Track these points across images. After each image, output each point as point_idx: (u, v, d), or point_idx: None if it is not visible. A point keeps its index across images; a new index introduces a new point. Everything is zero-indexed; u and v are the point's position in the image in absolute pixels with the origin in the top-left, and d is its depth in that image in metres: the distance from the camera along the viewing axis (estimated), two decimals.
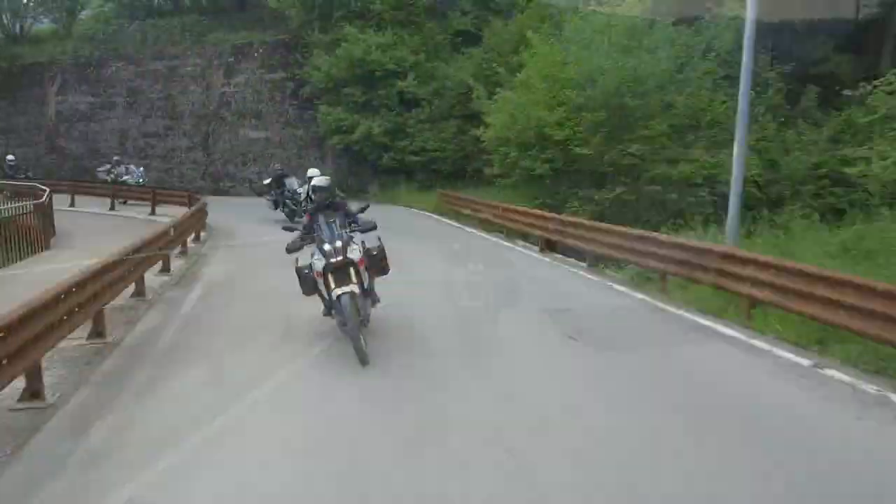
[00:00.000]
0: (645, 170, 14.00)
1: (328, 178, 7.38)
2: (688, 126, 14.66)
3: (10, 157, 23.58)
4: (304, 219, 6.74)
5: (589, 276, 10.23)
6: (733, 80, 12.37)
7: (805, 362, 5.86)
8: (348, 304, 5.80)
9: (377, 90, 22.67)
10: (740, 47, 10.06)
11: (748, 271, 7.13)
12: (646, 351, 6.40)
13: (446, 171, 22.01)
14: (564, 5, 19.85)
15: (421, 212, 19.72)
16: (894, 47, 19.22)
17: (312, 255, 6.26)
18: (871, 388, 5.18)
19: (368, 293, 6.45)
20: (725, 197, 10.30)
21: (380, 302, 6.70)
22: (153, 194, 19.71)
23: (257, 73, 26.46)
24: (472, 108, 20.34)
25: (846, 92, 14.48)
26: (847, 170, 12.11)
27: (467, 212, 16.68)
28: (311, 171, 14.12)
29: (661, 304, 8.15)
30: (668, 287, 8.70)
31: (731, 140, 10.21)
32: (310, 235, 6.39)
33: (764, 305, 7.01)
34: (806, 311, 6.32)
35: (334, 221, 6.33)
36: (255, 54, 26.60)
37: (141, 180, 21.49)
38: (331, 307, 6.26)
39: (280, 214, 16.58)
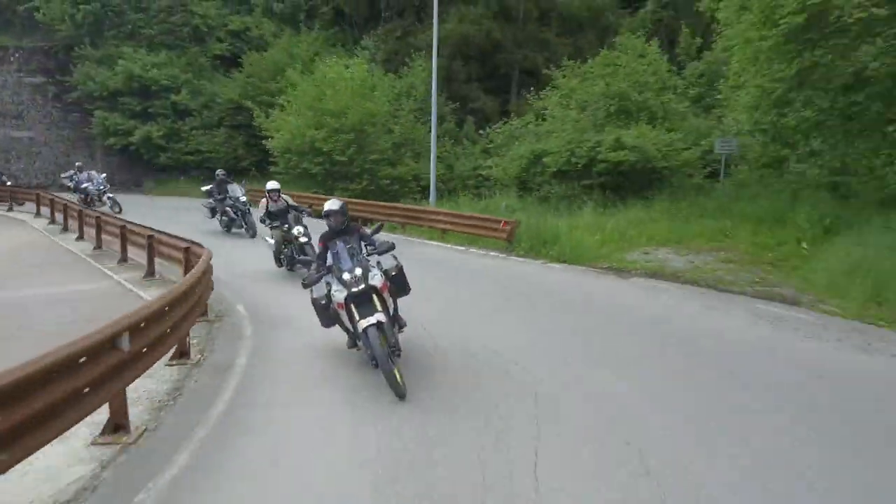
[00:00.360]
0: (378, 171, 22.45)
1: (341, 200, 6.55)
2: (402, 143, 23.58)
3: None
4: (318, 247, 6.26)
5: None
6: (426, 112, 21.63)
7: (465, 248, 14.63)
8: (377, 338, 5.31)
9: (153, 101, 27.17)
10: (429, 92, 19.08)
11: (440, 217, 15.85)
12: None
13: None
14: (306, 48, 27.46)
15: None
16: (517, 93, 31.14)
17: (329, 286, 5.84)
18: (504, 255, 14.01)
19: (395, 319, 6.09)
20: (426, 187, 19.24)
21: (406, 326, 6.38)
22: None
23: (15, 77, 28.08)
24: (240, 119, 26.54)
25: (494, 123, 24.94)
26: (485, 171, 22.18)
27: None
28: (270, 184, 12.04)
29: (408, 238, 16.39)
30: (406, 230, 17.05)
31: (429, 152, 19.20)
32: (325, 265, 5.93)
33: (448, 232, 15.76)
34: (460, 231, 15.17)
35: (350, 247, 5.92)
36: (12, 59, 28.15)
37: (102, 187, 20.77)
38: (356, 339, 5.86)
39: (216, 224, 15.99)
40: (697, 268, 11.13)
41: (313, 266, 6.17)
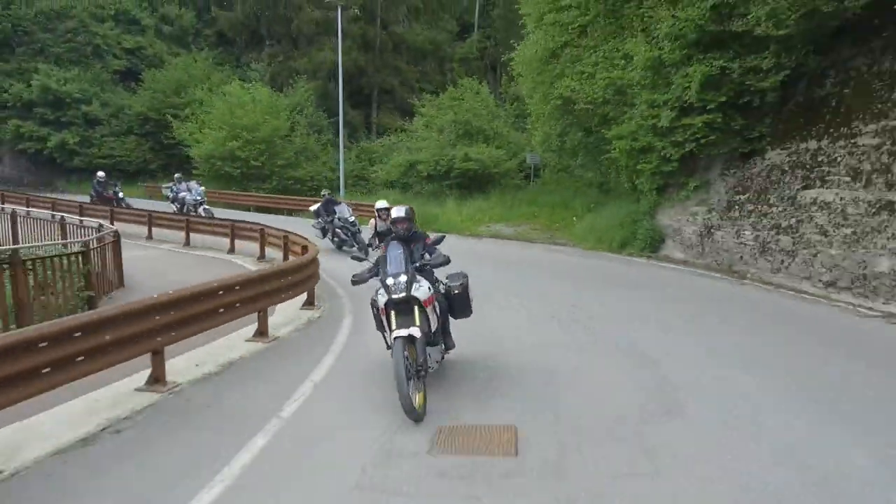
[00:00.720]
0: (284, 174, 28.84)
1: (406, 206, 6.33)
2: (300, 150, 30.13)
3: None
4: (380, 250, 6.06)
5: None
6: (313, 125, 28.60)
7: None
8: (402, 351, 5.07)
9: (66, 111, 30.66)
10: (317, 109, 26.16)
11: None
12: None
13: (131, 170, 31.96)
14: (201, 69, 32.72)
15: None
16: (377, 108, 38.71)
17: (377, 290, 5.66)
18: None
19: (435, 337, 5.81)
20: (319, 186, 26.29)
21: (454, 348, 6.29)
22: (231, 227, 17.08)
23: None
24: (147, 128, 31.13)
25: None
26: (371, 174, 29.56)
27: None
28: (380, 203, 13.18)
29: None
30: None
31: (318, 158, 26.22)
32: (377, 267, 5.79)
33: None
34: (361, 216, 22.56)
35: (405, 254, 5.69)
36: None
37: (199, 198, 20.88)
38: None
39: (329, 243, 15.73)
40: (519, 233, 19.79)
41: (367, 264, 6.11)
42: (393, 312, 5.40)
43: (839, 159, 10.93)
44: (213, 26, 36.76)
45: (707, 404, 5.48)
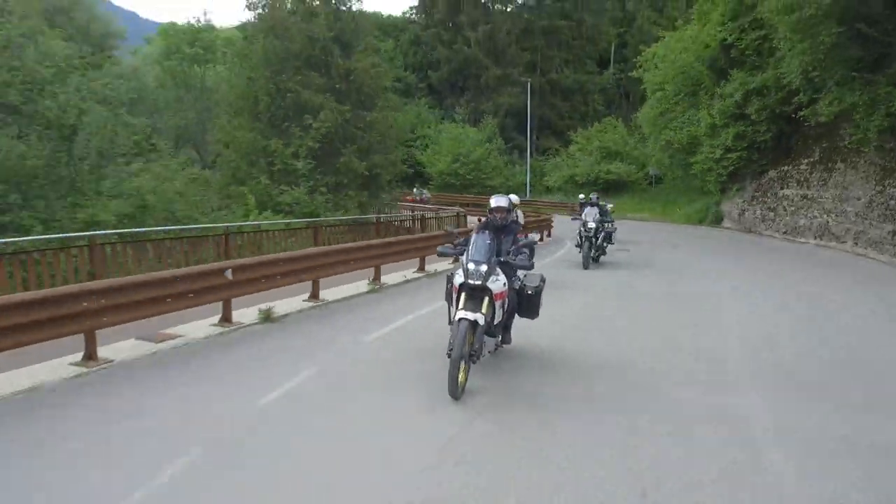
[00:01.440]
0: (486, 182, 44.15)
1: (508, 197, 6.48)
2: (493, 167, 45.47)
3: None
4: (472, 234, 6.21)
5: None
6: (501, 151, 43.90)
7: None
8: (462, 333, 5.32)
9: None
10: (499, 138, 41.26)
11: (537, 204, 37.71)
12: None
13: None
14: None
15: None
16: (538, 136, 53.24)
17: (459, 268, 5.86)
18: None
19: (496, 330, 6.04)
20: (506, 190, 41.28)
21: (510, 344, 6.56)
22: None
23: None
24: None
25: None
26: (545, 182, 44.20)
27: None
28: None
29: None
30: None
31: (502, 174, 41.25)
32: (464, 247, 6.05)
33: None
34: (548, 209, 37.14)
35: (493, 245, 5.83)
36: None
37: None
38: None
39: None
40: (641, 216, 33.43)
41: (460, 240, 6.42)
42: (464, 295, 5.61)
43: (792, 175, 23.86)
44: (426, 81, 53.20)
45: (724, 281, 19.32)
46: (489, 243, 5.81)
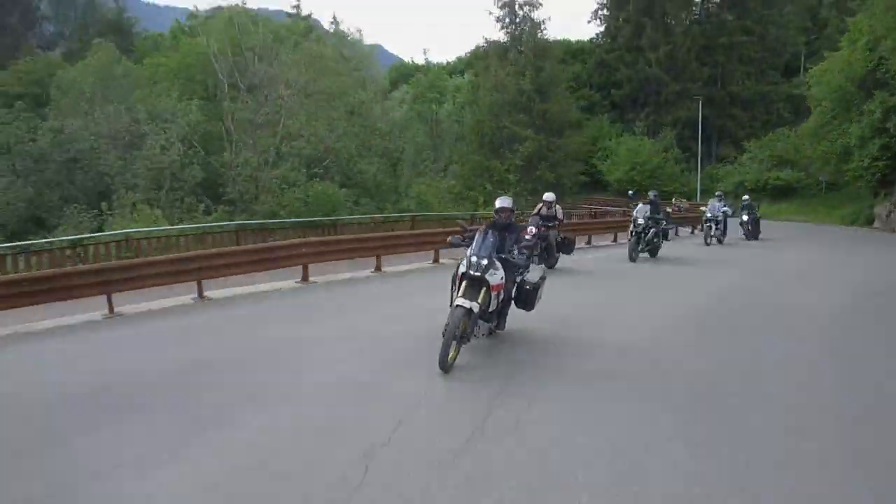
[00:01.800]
0: (661, 187, 50.00)
1: (511, 199, 7.31)
2: (670, 174, 51.02)
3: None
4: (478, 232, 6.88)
5: None
6: (677, 160, 49.20)
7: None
8: (457, 318, 5.99)
9: None
10: (675, 147, 46.65)
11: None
12: None
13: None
14: None
15: None
16: (717, 143, 57.20)
17: (463, 259, 6.53)
18: None
19: (490, 315, 6.70)
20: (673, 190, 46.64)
21: (502, 330, 7.20)
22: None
23: None
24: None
25: None
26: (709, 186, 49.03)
27: None
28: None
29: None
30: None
31: (670, 174, 46.62)
32: (470, 241, 6.72)
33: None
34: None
35: (496, 242, 6.54)
36: None
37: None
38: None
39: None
40: (803, 218, 37.38)
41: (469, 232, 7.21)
42: (465, 283, 6.30)
43: None
44: (609, 99, 59.95)
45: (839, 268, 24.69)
46: (492, 240, 6.55)
